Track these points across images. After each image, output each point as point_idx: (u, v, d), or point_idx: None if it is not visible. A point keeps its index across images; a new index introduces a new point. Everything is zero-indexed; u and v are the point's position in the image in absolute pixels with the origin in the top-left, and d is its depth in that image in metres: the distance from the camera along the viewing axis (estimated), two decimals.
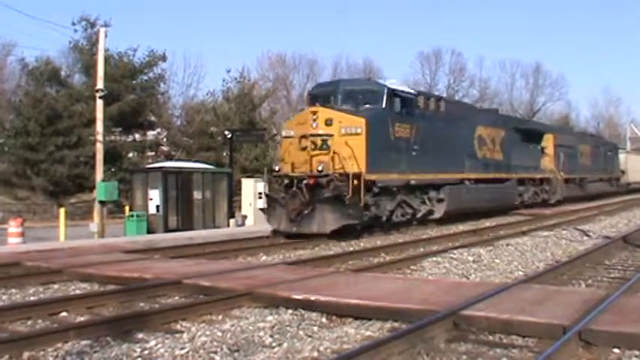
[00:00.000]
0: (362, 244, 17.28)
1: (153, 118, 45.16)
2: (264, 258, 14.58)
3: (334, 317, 8.18)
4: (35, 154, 38.23)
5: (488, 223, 23.46)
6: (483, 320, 7.28)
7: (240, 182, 27.85)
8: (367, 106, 19.14)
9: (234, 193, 27.11)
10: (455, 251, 14.36)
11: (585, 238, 18.48)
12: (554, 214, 27.81)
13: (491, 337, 7.08)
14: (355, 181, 17.43)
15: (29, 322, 8.12)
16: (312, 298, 8.56)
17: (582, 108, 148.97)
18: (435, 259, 13.49)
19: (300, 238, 17.30)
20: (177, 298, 9.64)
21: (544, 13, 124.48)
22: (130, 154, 42.06)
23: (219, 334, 7.35)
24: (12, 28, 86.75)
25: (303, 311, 8.37)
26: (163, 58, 43.83)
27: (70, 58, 44.25)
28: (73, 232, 22.20)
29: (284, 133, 19.68)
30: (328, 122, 18.27)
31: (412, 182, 20.25)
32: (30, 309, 8.54)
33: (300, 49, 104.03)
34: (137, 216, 22.09)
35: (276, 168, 19.40)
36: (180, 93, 54.63)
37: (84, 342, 6.96)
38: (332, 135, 18.07)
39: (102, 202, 23.83)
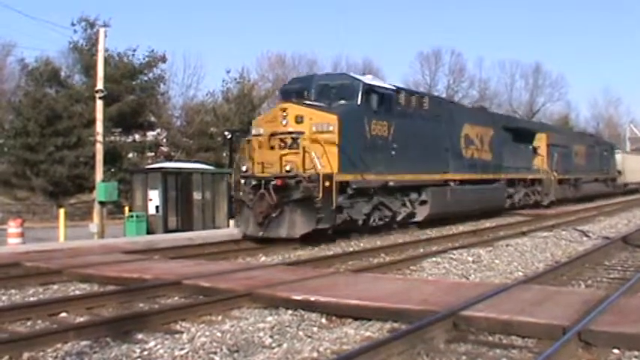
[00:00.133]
0: (362, 244, 17.28)
1: (153, 119, 45.21)
2: (263, 259, 14.58)
3: (334, 318, 8.17)
4: (35, 155, 38.27)
5: (488, 223, 23.46)
6: (483, 321, 7.28)
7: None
8: (341, 102, 18.12)
9: None
10: (454, 252, 14.36)
11: (585, 238, 18.48)
12: (553, 214, 27.79)
13: (490, 338, 7.07)
14: (327, 182, 16.37)
15: (29, 323, 8.11)
16: (312, 298, 8.56)
17: (582, 108, 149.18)
18: (434, 259, 13.49)
19: (269, 242, 16.43)
20: (176, 298, 9.64)
21: (544, 14, 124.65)
22: (130, 155, 42.11)
23: (219, 334, 7.35)
24: (12, 28, 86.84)
25: (302, 312, 8.37)
26: (163, 58, 43.92)
27: (70, 59, 44.34)
28: (73, 232, 22.21)
29: (253, 132, 18.37)
30: (299, 119, 17.16)
31: (391, 183, 19.11)
32: (29, 309, 8.53)
33: (300, 49, 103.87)
34: (137, 216, 22.11)
35: (244, 168, 18.00)
36: (180, 93, 54.70)
37: (83, 342, 6.95)
38: (302, 133, 16.96)
39: (101, 203, 23.85)
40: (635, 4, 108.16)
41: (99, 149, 24.92)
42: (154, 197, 23.03)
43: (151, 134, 45.17)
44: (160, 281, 10.22)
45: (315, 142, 16.75)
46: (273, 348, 6.88)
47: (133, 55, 42.69)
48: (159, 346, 6.84)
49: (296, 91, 19.16)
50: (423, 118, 21.20)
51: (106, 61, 28.38)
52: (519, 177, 29.42)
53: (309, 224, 16.29)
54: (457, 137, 23.81)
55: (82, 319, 8.24)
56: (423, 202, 20.78)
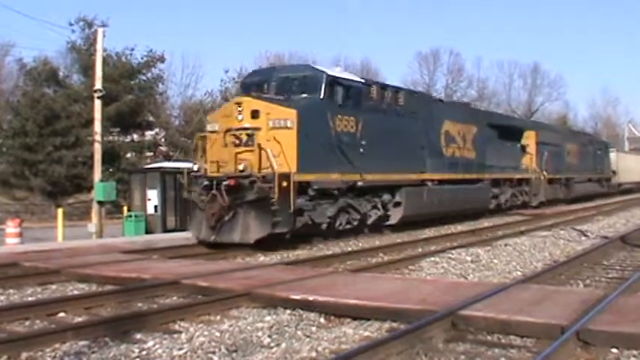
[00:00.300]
0: (360, 244, 17.27)
1: (151, 119, 45.20)
2: (262, 258, 14.58)
3: (332, 317, 8.17)
4: (33, 155, 38.24)
5: (486, 223, 23.45)
6: (481, 320, 7.28)
7: None
8: (303, 95, 16.87)
9: None
10: (453, 251, 14.37)
11: (583, 238, 18.49)
12: (552, 214, 27.79)
13: (489, 337, 7.07)
14: (284, 183, 15.11)
15: (27, 323, 8.11)
16: (311, 298, 8.56)
17: (580, 108, 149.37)
18: (433, 259, 13.50)
19: (222, 247, 15.35)
20: (175, 298, 9.64)
21: (542, 14, 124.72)
22: (128, 155, 42.08)
23: (218, 334, 7.35)
24: (10, 28, 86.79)
25: (301, 311, 8.37)
26: (162, 58, 43.88)
27: (68, 59, 44.32)
28: (71, 232, 22.20)
29: (208, 128, 17.06)
30: (255, 114, 15.80)
31: (359, 184, 17.82)
32: (28, 309, 8.54)
33: (299, 49, 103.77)
34: (135, 216, 22.10)
35: (195, 167, 16.89)
36: (179, 93, 54.70)
37: (82, 342, 6.95)
38: (259, 129, 15.65)
39: (100, 203, 23.84)
40: (633, 3, 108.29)
41: (97, 149, 24.90)
42: (153, 197, 23.00)
43: (149, 134, 45.16)
44: (158, 281, 10.22)
45: (272, 139, 15.53)
46: (272, 348, 6.88)
47: (131, 54, 42.68)
48: (157, 346, 6.84)
49: (256, 84, 17.98)
50: (397, 114, 19.95)
51: (105, 60, 28.34)
52: (505, 177, 28.08)
53: (264, 228, 15.08)
54: (436, 134, 22.48)
55: (80, 319, 8.24)
56: (397, 204, 19.64)
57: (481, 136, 25.76)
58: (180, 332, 7.46)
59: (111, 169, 36.89)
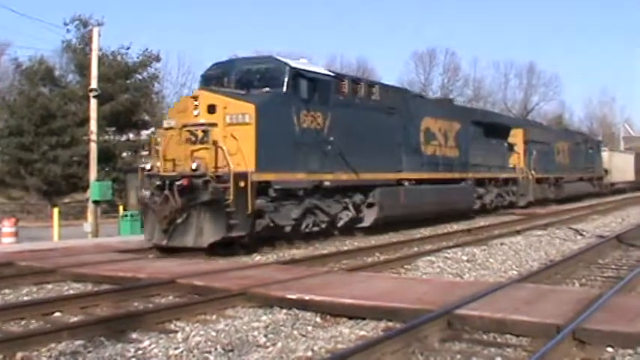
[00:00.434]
0: (356, 243, 17.26)
1: (147, 118, 45.09)
2: (257, 257, 14.56)
3: (328, 317, 8.18)
4: (29, 154, 38.17)
5: (482, 222, 23.47)
6: (477, 319, 7.29)
7: None
8: (265, 89, 15.73)
9: None
10: (449, 250, 14.37)
11: (579, 237, 18.53)
12: (547, 213, 27.83)
13: (485, 337, 7.09)
14: (241, 183, 14.07)
15: (23, 323, 8.11)
16: (307, 297, 8.56)
17: (576, 108, 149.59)
18: (429, 258, 13.49)
19: (177, 252, 14.38)
20: (171, 297, 9.63)
21: (538, 14, 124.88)
22: (124, 154, 41.99)
23: (214, 333, 7.34)
24: (6, 27, 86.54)
25: (297, 311, 8.37)
26: (157, 57, 43.80)
27: (64, 58, 44.24)
28: (67, 231, 22.18)
29: (165, 124, 15.89)
30: (211, 109, 14.77)
31: (327, 184, 16.69)
32: (23, 309, 8.52)
33: (294, 48, 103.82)
34: (131, 216, 22.05)
35: (147, 166, 15.81)
36: (174, 92, 54.75)
37: (77, 342, 6.94)
38: (215, 125, 14.64)
39: (96, 202, 23.80)
40: (629, 3, 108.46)
41: (93, 148, 24.88)
42: None
43: (145, 133, 45.03)
44: (154, 280, 10.21)
45: (230, 136, 14.53)
46: (268, 347, 6.88)
47: (127, 53, 42.59)
48: (153, 346, 6.83)
49: (216, 77, 16.83)
50: (371, 110, 18.88)
51: (100, 60, 28.30)
52: (491, 176, 26.94)
53: (219, 232, 14.03)
54: (415, 132, 21.43)
55: (76, 319, 8.23)
56: (371, 205, 18.58)
57: (465, 134, 24.82)
58: (176, 332, 7.45)
59: (107, 169, 36.85)
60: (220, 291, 9.20)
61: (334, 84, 17.45)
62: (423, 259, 13.45)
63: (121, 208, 24.68)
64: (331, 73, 17.84)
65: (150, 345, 6.86)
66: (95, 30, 26.44)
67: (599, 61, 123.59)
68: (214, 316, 8.25)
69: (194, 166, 14.30)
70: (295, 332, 7.50)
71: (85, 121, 29.35)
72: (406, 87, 37.02)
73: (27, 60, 41.57)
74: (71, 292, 10.22)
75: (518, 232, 18.82)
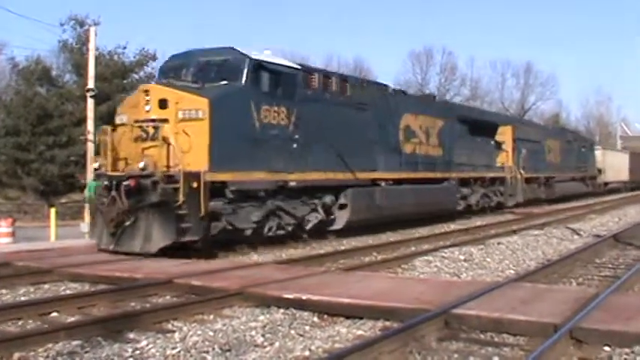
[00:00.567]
0: (353, 242, 17.26)
1: None
2: (255, 257, 14.56)
3: (326, 316, 8.19)
4: (26, 154, 38.12)
5: (479, 222, 23.48)
6: (474, 319, 7.30)
7: None
8: (222, 82, 14.66)
9: None
10: (446, 250, 14.39)
11: (576, 236, 18.56)
12: (544, 213, 27.84)
13: (482, 336, 7.09)
14: (193, 183, 13.12)
15: (20, 323, 8.10)
16: (304, 297, 8.57)
17: (573, 107, 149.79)
18: (426, 257, 13.51)
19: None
20: (168, 297, 9.63)
21: (535, 14, 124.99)
22: None
23: (211, 333, 7.34)
24: (3, 27, 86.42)
25: (294, 310, 8.38)
26: (154, 57, 43.71)
27: (60, 58, 44.16)
28: (64, 232, 22.11)
29: (117, 120, 14.91)
30: (163, 104, 13.80)
31: (292, 184, 15.67)
32: (20, 309, 8.51)
33: (291, 48, 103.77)
34: None
35: (96, 165, 14.77)
36: None
37: (75, 342, 6.94)
38: (166, 121, 13.67)
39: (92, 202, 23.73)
40: (626, 3, 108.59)
41: (90, 148, 24.81)
42: None
43: None
44: (151, 280, 10.20)
45: (182, 132, 13.61)
46: (265, 347, 6.88)
47: (124, 52, 42.52)
48: (150, 346, 6.83)
49: (173, 69, 15.73)
50: (343, 106, 17.75)
51: (97, 59, 28.23)
52: (476, 176, 25.67)
53: (168, 236, 13.11)
54: (393, 129, 20.26)
55: (73, 319, 8.23)
56: (343, 207, 17.56)
57: (449, 132, 23.69)
58: (174, 331, 7.45)
59: None
60: (218, 291, 9.20)
61: (301, 77, 16.36)
62: (420, 258, 13.47)
63: None
64: (297, 66, 16.63)
65: (147, 345, 6.86)
66: (92, 29, 26.38)
67: (596, 60, 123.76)
68: (212, 316, 8.25)
69: (142, 165, 13.38)
70: (293, 332, 7.50)
71: (82, 120, 29.28)
72: (404, 87, 36.82)
73: (24, 60, 41.53)
74: (68, 292, 10.21)
75: (515, 232, 18.87)
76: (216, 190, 13.87)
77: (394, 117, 20.33)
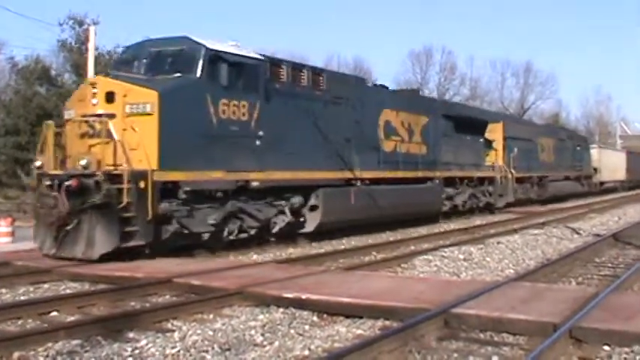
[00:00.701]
0: (353, 242, 17.26)
1: None
2: (255, 257, 14.56)
3: (325, 316, 8.19)
4: (25, 153, 38.07)
5: (479, 221, 23.47)
6: (474, 318, 7.30)
7: None
8: (175, 75, 13.61)
9: None
10: (446, 249, 14.39)
11: (576, 236, 18.57)
12: (544, 212, 27.83)
13: (482, 335, 7.10)
14: (141, 183, 12.18)
15: (19, 322, 8.10)
16: (303, 296, 8.57)
17: (573, 107, 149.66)
18: (425, 257, 13.51)
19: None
20: (168, 297, 9.63)
21: (535, 13, 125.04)
22: None
23: (211, 332, 7.34)
24: (2, 27, 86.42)
25: (294, 310, 8.38)
26: None
27: (60, 57, 44.12)
28: None
29: (65, 115, 13.94)
30: (110, 98, 12.79)
31: (255, 184, 14.57)
32: (20, 309, 8.51)
33: (291, 47, 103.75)
34: None
35: (37, 163, 13.57)
36: None
37: (74, 341, 6.94)
38: (113, 115, 12.65)
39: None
40: (625, 3, 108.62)
41: None
42: None
43: None
44: (151, 280, 10.20)
45: (130, 128, 12.61)
46: (265, 346, 6.88)
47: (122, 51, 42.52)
48: (150, 345, 6.83)
49: (127, 61, 14.75)
50: (315, 100, 16.62)
51: (96, 59, 28.25)
52: (463, 175, 24.39)
53: (113, 240, 12.03)
54: (372, 126, 19.03)
55: (72, 318, 8.23)
56: (314, 208, 16.42)
57: (434, 129, 22.41)
58: (173, 331, 7.46)
59: None
60: (217, 290, 9.20)
61: (265, 69, 15.11)
62: (420, 257, 13.47)
63: None
64: (261, 57, 15.18)
65: (147, 344, 6.86)
66: (91, 29, 26.45)
67: (596, 60, 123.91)
68: (211, 316, 8.25)
69: (84, 162, 12.37)
70: (292, 331, 7.50)
71: None
72: (404, 86, 36.62)
73: (23, 59, 41.53)
74: (68, 291, 10.20)
75: (515, 231, 18.87)
76: (168, 190, 12.91)
77: (372, 113, 19.14)
